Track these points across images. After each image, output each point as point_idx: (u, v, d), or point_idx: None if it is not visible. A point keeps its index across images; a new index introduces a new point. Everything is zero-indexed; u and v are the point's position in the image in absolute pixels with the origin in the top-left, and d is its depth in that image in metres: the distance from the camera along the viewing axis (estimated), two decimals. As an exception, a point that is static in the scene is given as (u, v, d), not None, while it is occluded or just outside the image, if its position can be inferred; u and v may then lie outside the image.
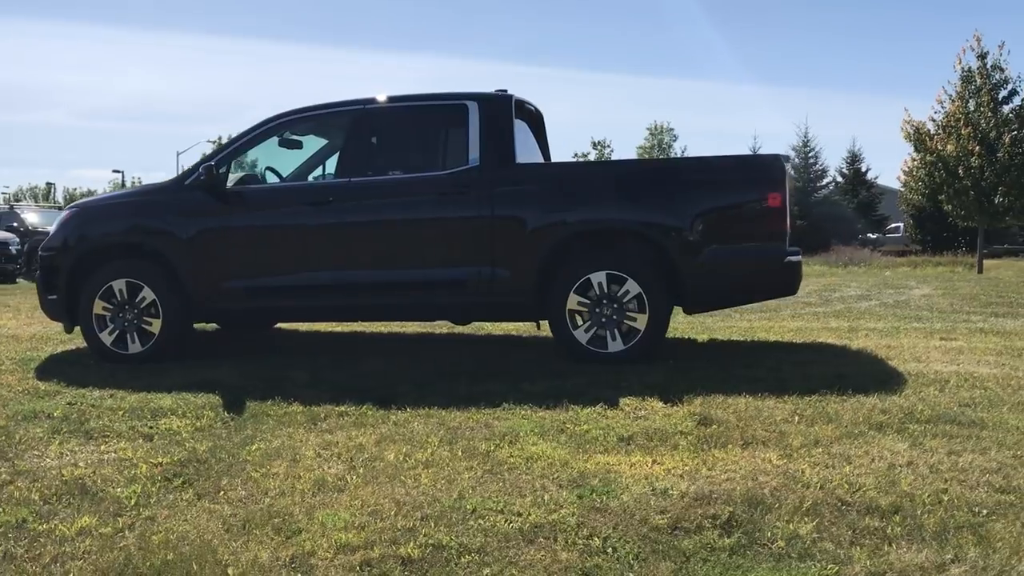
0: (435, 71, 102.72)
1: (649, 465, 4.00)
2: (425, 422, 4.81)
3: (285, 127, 6.74)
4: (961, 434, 4.32)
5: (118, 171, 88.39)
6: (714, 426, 4.53)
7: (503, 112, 6.40)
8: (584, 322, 6.10)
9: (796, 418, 4.64)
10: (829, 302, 11.68)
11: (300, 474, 3.97)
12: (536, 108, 7.45)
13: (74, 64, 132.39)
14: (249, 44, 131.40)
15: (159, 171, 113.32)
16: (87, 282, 6.64)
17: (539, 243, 6.12)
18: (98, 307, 6.63)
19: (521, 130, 7.15)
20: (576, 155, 44.80)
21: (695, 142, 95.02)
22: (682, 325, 8.32)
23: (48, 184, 75.34)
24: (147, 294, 6.56)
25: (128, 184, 58.83)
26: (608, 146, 45.68)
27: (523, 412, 4.92)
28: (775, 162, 6.09)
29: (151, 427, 4.84)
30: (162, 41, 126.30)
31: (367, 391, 5.50)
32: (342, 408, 5.11)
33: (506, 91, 6.56)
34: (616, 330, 6.07)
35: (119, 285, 6.59)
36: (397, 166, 6.55)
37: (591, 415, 4.83)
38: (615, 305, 6.05)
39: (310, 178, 7.00)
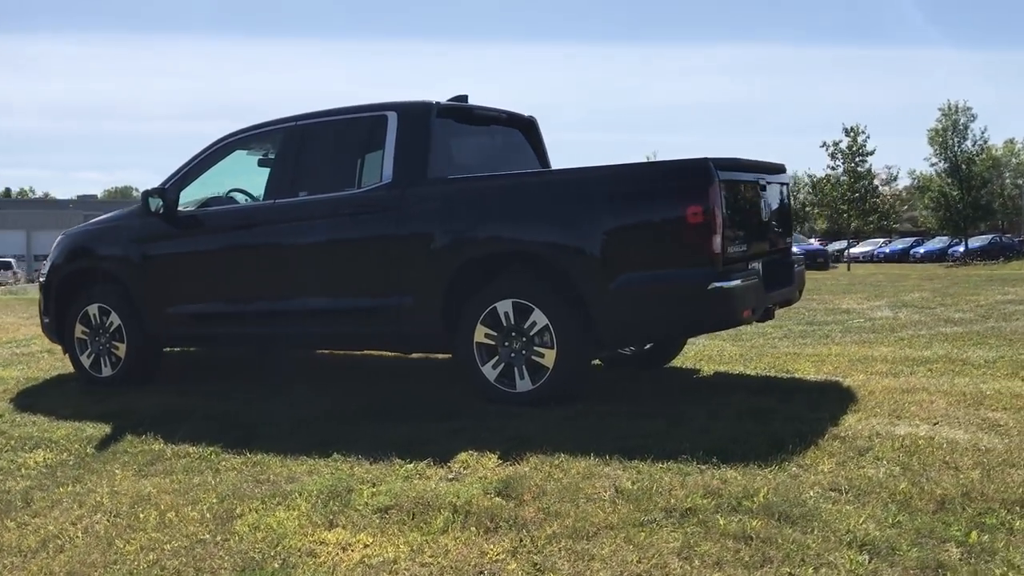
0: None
1: (360, 548, 3.42)
2: (239, 472, 4.47)
3: (234, 146, 6.57)
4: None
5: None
6: (506, 502, 3.78)
7: (420, 123, 5.79)
8: (492, 357, 5.41)
9: (615, 500, 3.74)
10: (984, 319, 9.82)
11: (43, 526, 3.87)
12: (517, 115, 6.78)
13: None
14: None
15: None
16: (70, 307, 6.88)
17: (442, 268, 5.47)
18: (79, 331, 6.85)
19: (474, 140, 6.54)
20: (824, 144, 41.78)
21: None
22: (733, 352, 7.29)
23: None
24: (114, 319, 6.67)
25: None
26: (863, 132, 42.13)
27: (344, 467, 4.41)
28: (698, 169, 5.03)
29: (10, 460, 4.89)
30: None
31: (251, 427, 5.28)
32: (196, 449, 4.91)
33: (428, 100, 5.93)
34: (524, 367, 5.32)
35: (93, 310, 6.77)
36: (319, 185, 6.09)
37: (396, 472, 4.26)
38: (523, 339, 5.30)
39: (241, 201, 6.76)
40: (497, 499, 3.80)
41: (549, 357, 5.22)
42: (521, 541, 3.36)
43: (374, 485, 4.10)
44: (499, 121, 6.68)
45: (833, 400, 5.25)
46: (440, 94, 6.18)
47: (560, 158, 6.95)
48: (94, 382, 6.78)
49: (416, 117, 5.80)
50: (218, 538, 3.63)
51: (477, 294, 5.39)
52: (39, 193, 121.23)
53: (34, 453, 5.02)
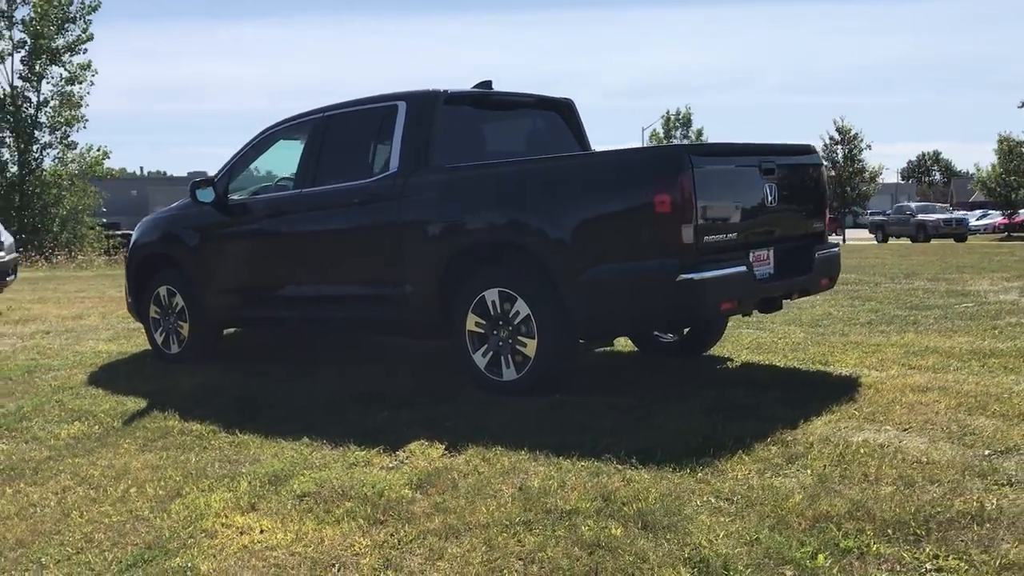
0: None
1: (256, 533, 3.63)
2: (219, 452, 4.79)
3: (277, 136, 6.90)
4: None
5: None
6: (414, 494, 3.88)
7: (425, 112, 5.86)
8: (482, 345, 5.46)
9: (512, 499, 3.76)
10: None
11: (31, 494, 4.28)
12: (549, 98, 6.72)
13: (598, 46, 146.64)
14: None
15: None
16: (145, 288, 7.49)
17: (437, 257, 5.56)
18: (152, 310, 7.45)
19: (500, 126, 6.54)
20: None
21: None
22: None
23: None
24: (179, 300, 7.21)
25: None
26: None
27: (306, 451, 4.64)
28: (667, 158, 4.81)
29: (48, 431, 5.43)
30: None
31: (259, 408, 5.63)
32: (201, 427, 5.27)
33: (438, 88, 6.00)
34: (510, 356, 5.34)
35: (163, 291, 7.34)
36: (337, 175, 6.27)
37: (346, 459, 4.43)
38: (509, 328, 5.32)
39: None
40: (407, 491, 3.90)
41: (531, 347, 5.22)
42: (392, 536, 3.45)
43: (316, 471, 4.29)
44: (527, 105, 6.66)
45: (828, 398, 4.94)
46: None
47: (760, 123, 6.68)
48: (164, 358, 7.36)
49: (422, 106, 5.89)
50: (151, 515, 3.92)
51: (468, 283, 5.46)
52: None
53: (71, 425, 5.51)
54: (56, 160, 28.91)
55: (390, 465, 4.34)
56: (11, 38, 27.64)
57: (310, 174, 6.38)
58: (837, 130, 48.09)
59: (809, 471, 3.73)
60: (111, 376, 6.97)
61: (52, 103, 28.21)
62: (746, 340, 7.12)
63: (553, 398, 5.16)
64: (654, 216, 4.75)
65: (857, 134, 48.08)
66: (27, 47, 27.36)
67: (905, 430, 4.27)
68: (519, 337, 5.27)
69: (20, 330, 9.60)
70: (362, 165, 6.06)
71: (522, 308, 5.22)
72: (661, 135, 54.84)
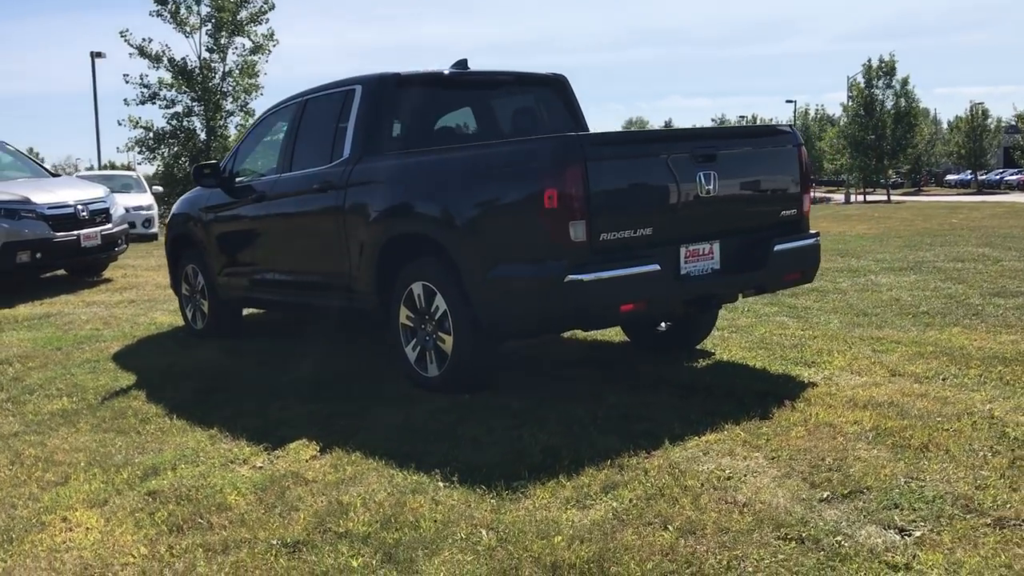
0: None
1: (80, 529, 3.79)
2: (145, 438, 5.00)
3: (274, 119, 6.99)
4: None
5: (790, 101, 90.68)
6: (238, 500, 3.91)
7: (376, 96, 5.73)
8: (412, 339, 5.36)
9: (307, 513, 3.70)
10: None
11: None
12: (535, 75, 6.43)
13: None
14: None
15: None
16: (177, 265, 7.90)
17: (373, 247, 5.46)
18: (184, 288, 7.85)
19: (478, 107, 6.32)
20: None
21: None
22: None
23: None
24: (200, 279, 7.54)
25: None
26: None
27: (208, 444, 4.76)
28: (554, 149, 4.44)
29: (37, 405, 5.87)
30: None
31: (226, 393, 5.80)
32: (157, 409, 5.51)
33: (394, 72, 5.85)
34: (433, 352, 5.21)
35: (189, 270, 7.71)
36: (305, 160, 6.22)
37: (231, 454, 4.54)
38: (433, 323, 5.18)
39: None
40: (237, 498, 3.93)
41: (449, 343, 5.07)
42: (173, 547, 3.49)
43: (190, 466, 4.40)
44: (510, 84, 6.40)
45: (740, 411, 4.49)
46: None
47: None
48: (193, 333, 7.76)
49: (373, 91, 5.78)
50: (20, 502, 4.16)
51: (400, 275, 5.36)
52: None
53: (60, 401, 5.92)
54: (238, 128, 30.79)
55: (258, 464, 4.39)
56: (199, 12, 29.58)
57: (287, 159, 6.44)
58: None
59: (614, 504, 3.43)
60: (137, 351, 7.42)
61: (235, 73, 30.01)
62: (757, 333, 6.59)
63: (461, 398, 5.01)
64: (542, 212, 4.44)
65: None
66: (213, 20, 29.20)
67: (772, 459, 3.82)
68: (440, 333, 5.13)
69: (111, 298, 10.39)
70: (324, 151, 6.02)
71: (440, 303, 5.08)
72: (862, 84, 51.21)
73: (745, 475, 3.65)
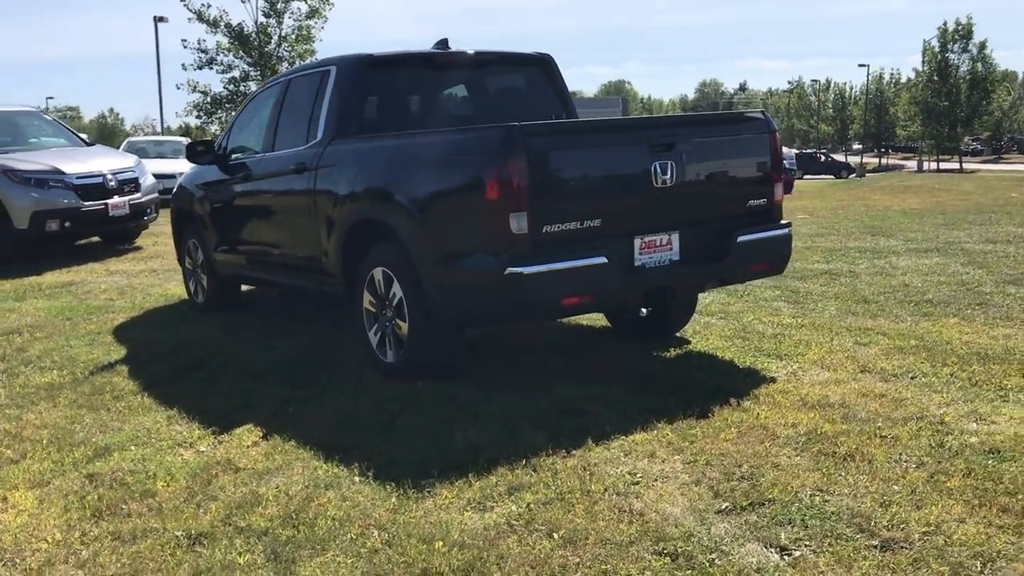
0: None
1: (12, 511, 3.90)
2: (113, 416, 5.12)
3: (260, 100, 7.01)
4: None
5: (863, 65, 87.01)
6: (166, 486, 3.98)
7: (347, 78, 5.69)
8: (374, 324, 5.36)
9: (210, 505, 3.76)
10: None
11: None
12: (519, 55, 6.32)
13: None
14: None
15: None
16: (181, 239, 8.03)
17: (339, 230, 5.45)
18: (187, 262, 7.99)
19: (461, 88, 6.25)
20: None
21: None
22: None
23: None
24: (200, 254, 7.66)
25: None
26: None
27: (164, 426, 4.86)
28: (498, 139, 4.34)
29: (27, 378, 6.06)
30: None
31: (206, 371, 5.89)
32: (135, 386, 5.64)
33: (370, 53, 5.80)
34: (391, 338, 5.21)
35: (191, 244, 7.83)
36: (284, 141, 6.23)
37: (180, 437, 4.62)
38: (391, 309, 5.17)
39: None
40: (163, 484, 4.00)
41: (405, 329, 5.07)
42: (86, 533, 3.57)
43: (137, 448, 4.51)
44: (493, 64, 6.30)
45: (685, 408, 4.41)
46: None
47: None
48: (195, 307, 7.91)
49: (346, 73, 5.75)
50: (-26, 475, 4.31)
51: (363, 260, 5.36)
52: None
53: (50, 373, 6.11)
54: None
55: (202, 449, 4.47)
56: (255, -23, 29.86)
57: (271, 138, 6.47)
58: None
59: (512, 507, 3.40)
60: (139, 324, 7.60)
61: (290, 38, 30.28)
62: (744, 320, 6.44)
63: (414, 385, 5.01)
64: (484, 204, 4.38)
65: None
66: (268, -17, 29.49)
67: (690, 463, 3.74)
68: (397, 319, 5.13)
69: (134, 267, 10.65)
70: (301, 132, 6.02)
71: (397, 290, 5.07)
72: (936, 49, 49.34)
73: (654, 480, 3.58)
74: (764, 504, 3.29)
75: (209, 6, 29.12)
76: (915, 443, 3.85)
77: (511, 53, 6.36)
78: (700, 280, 5.10)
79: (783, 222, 5.30)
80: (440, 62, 6.09)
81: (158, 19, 35.31)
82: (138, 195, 11.60)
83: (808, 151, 65.02)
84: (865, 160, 69.82)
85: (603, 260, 4.51)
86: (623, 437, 4.07)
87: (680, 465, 3.73)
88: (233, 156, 7.06)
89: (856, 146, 78.05)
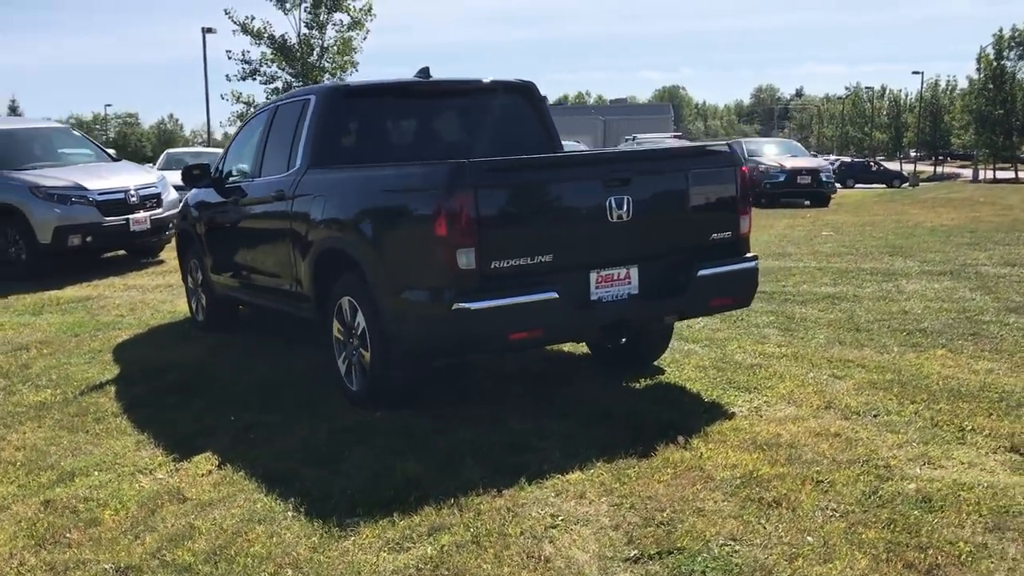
0: None
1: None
2: (85, 437, 5.28)
3: (252, 125, 7.13)
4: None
5: (917, 72, 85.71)
6: (97, 512, 4.09)
7: (324, 107, 5.78)
8: (342, 353, 5.44)
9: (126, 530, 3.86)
10: None
11: None
12: (500, 82, 6.35)
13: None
14: None
15: None
16: (185, 259, 8.21)
17: (311, 259, 5.54)
18: (189, 280, 8.16)
19: (439, 116, 6.31)
20: None
21: None
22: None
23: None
24: (200, 274, 7.83)
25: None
26: None
27: (130, 451, 4.99)
28: (446, 174, 4.36)
29: (23, 395, 6.26)
30: None
31: (183, 393, 6.02)
32: (116, 408, 5.81)
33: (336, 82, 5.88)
34: (357, 367, 5.27)
35: (190, 264, 8.01)
36: (269, 167, 6.35)
37: (143, 464, 4.74)
38: (357, 337, 5.23)
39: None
40: (109, 513, 4.12)
41: (367, 359, 5.13)
42: (23, 563, 3.70)
43: (100, 473, 4.63)
44: (476, 92, 6.34)
45: (635, 441, 4.40)
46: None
47: None
48: (196, 325, 8.08)
49: (322, 102, 5.86)
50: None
51: (332, 288, 5.44)
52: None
53: (44, 392, 6.30)
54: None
55: (160, 476, 4.58)
56: (297, -12, 30.32)
57: (258, 164, 6.59)
58: None
59: (427, 549, 3.44)
60: (140, 341, 7.78)
61: (331, 50, 30.67)
62: (727, 349, 6.38)
63: (374, 415, 5.07)
64: (433, 239, 4.43)
65: None
66: (310, -2, 29.92)
67: (615, 506, 3.73)
68: (361, 349, 5.20)
69: (151, 282, 10.89)
70: (283, 159, 6.14)
71: (361, 320, 5.14)
72: (991, 56, 48.19)
73: (575, 523, 3.59)
74: (672, 553, 3.28)
75: (253, 18, 29.68)
76: (848, 490, 3.80)
77: (493, 81, 6.39)
78: (659, 314, 5.08)
79: (749, 255, 5.26)
80: (419, 91, 6.16)
81: (206, 30, 36.04)
82: (159, 210, 11.87)
83: (859, 160, 63.94)
84: (920, 169, 68.48)
85: (553, 295, 4.53)
86: (559, 476, 4.08)
87: (605, 507, 3.73)
88: (229, 179, 7.21)
89: (913, 154, 76.57)
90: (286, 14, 30.33)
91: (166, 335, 8.02)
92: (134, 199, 11.51)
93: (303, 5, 30.21)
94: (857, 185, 49.28)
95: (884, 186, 50.41)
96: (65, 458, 4.91)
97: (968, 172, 60.85)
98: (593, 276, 4.75)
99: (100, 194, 11.23)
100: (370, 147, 5.94)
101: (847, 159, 64.28)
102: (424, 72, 6.21)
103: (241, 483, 4.31)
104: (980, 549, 3.23)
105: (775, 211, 19.81)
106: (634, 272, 4.86)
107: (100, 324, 8.50)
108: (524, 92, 6.45)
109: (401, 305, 4.74)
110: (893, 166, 64.64)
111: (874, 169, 58.00)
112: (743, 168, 5.19)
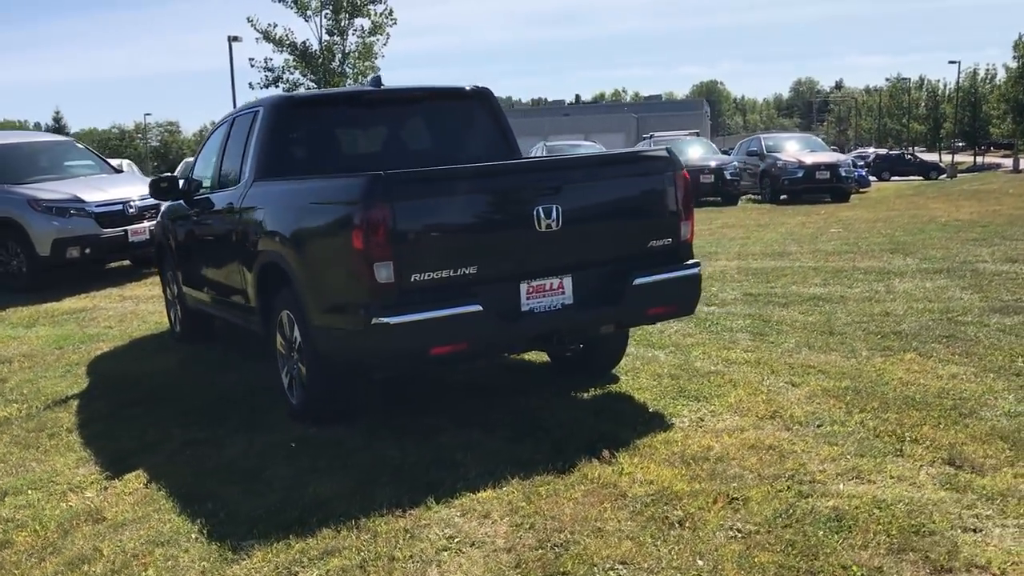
0: None
1: None
2: (31, 455, 5.30)
3: (213, 139, 7.11)
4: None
5: (953, 62, 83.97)
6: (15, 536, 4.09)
7: (270, 119, 5.74)
8: (284, 367, 5.39)
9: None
10: None
11: None
12: (453, 89, 6.28)
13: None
14: None
15: None
16: (163, 270, 8.24)
17: (253, 272, 5.50)
18: (167, 292, 8.18)
19: (392, 125, 6.25)
20: None
21: None
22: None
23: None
24: (176, 285, 7.84)
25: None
26: None
27: (70, 470, 4.99)
28: (363, 188, 4.28)
29: (-12, 413, 6.33)
30: None
31: (146, 405, 6.05)
32: (71, 422, 5.84)
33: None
34: (296, 380, 5.22)
35: (169, 275, 8.02)
36: (225, 179, 6.32)
37: (77, 482, 4.72)
38: (295, 351, 5.19)
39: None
40: (25, 535, 4.11)
41: (304, 373, 5.08)
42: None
43: (31, 492, 4.63)
44: (427, 100, 6.28)
45: (559, 457, 4.30)
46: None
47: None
48: (174, 336, 8.10)
49: (269, 113, 5.82)
50: None
51: (273, 302, 5.40)
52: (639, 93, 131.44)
53: (9, 407, 6.34)
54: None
55: (88, 495, 4.57)
56: (318, -5, 30.49)
57: (216, 176, 6.57)
58: None
59: (315, 573, 3.37)
60: (116, 355, 7.82)
61: (353, 54, 30.80)
62: (690, 355, 6.23)
63: (309, 431, 5.02)
64: (351, 253, 4.36)
65: None
66: (331, 3, 30.04)
67: (516, 527, 3.63)
68: (300, 363, 5.15)
69: (147, 292, 10.97)
70: (235, 172, 6.11)
71: (297, 333, 5.09)
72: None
73: (469, 546, 3.50)
74: (556, 578, 3.18)
75: (275, 26, 29.91)
76: (760, 508, 3.67)
77: (445, 88, 6.33)
78: (595, 324, 4.97)
79: (690, 262, 5.12)
80: (370, 100, 6.10)
81: (232, 39, 36.34)
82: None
83: (895, 152, 62.83)
84: (961, 159, 67.08)
85: (477, 308, 4.43)
86: (470, 494, 3.99)
87: (505, 528, 3.64)
88: (195, 192, 7.22)
89: (955, 144, 75.17)
90: (307, 21, 30.55)
91: (145, 347, 8.06)
92: (132, 210, 11.62)
93: (324, 12, 30.37)
94: (893, 178, 48.47)
95: (921, 178, 49.50)
96: (6, 476, 4.93)
97: (1009, 162, 59.51)
98: (523, 287, 4.66)
99: (98, 206, 11.35)
100: (318, 158, 5.89)
101: (883, 151, 63.17)
102: (376, 81, 6.15)
103: (160, 502, 4.28)
104: (874, 573, 3.08)
105: (792, 207, 19.51)
106: (567, 282, 4.76)
107: (85, 336, 8.57)
108: (479, 98, 6.36)
109: (325, 320, 4.69)
110: (932, 157, 63.44)
111: (911, 160, 56.97)
112: (684, 173, 5.05)
